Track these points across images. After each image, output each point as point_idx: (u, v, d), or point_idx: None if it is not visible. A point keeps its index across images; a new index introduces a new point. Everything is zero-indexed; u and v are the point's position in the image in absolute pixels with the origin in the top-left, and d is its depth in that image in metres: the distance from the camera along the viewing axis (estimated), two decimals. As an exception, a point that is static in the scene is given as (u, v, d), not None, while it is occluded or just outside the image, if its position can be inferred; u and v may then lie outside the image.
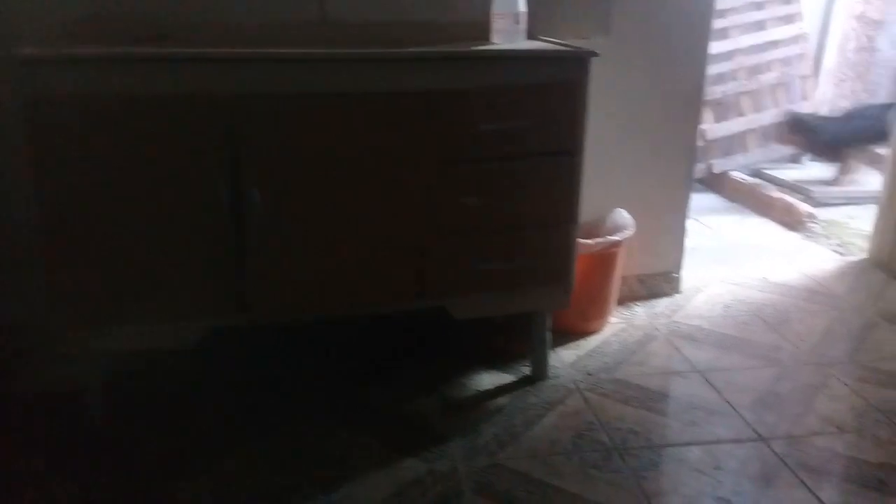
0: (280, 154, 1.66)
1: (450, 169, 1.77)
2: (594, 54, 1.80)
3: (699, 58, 2.44)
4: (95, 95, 1.55)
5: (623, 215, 2.38)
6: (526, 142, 1.79)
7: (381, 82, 1.68)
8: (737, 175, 4.02)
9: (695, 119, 2.52)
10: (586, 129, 1.86)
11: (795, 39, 4.26)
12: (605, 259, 2.28)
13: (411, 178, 1.74)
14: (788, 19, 4.28)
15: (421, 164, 1.74)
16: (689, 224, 2.63)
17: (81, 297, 1.65)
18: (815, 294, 2.69)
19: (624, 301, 2.56)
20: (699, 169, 3.98)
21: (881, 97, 4.34)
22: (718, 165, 4.03)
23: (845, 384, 2.08)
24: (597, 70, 1.82)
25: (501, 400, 1.98)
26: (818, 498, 1.62)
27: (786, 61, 4.16)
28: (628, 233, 2.30)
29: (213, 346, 1.81)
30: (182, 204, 1.64)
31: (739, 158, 4.09)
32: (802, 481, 1.67)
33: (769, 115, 4.14)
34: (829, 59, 4.32)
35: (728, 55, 4.08)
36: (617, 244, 2.28)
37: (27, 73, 1.51)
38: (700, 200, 3.86)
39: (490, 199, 1.81)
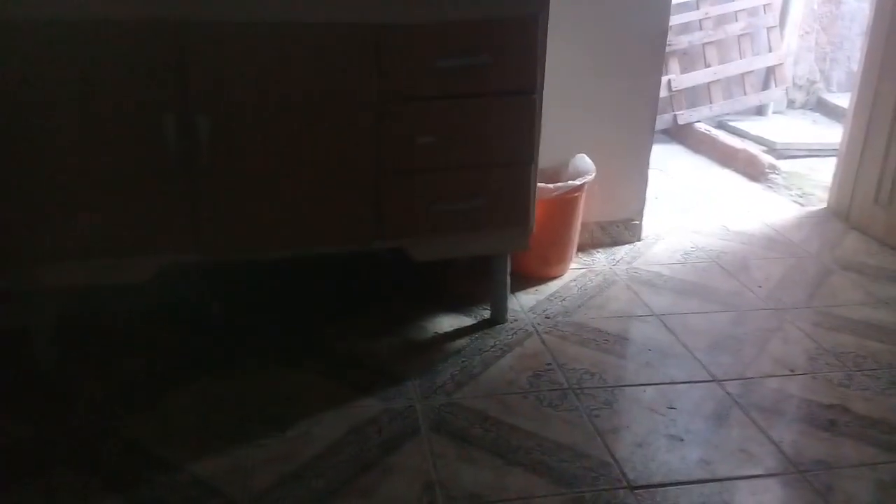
0: (227, 85, 1.60)
1: (403, 107, 1.73)
2: (554, -11, 1.76)
3: (664, 2, 2.41)
4: (40, 20, 1.48)
5: (585, 161, 2.36)
6: (482, 80, 1.76)
7: (331, 14, 1.62)
8: (701, 126, 4.02)
9: (658, 66, 2.50)
10: (545, 69, 1.82)
11: (763, -10, 4.24)
12: (565, 204, 2.27)
13: (363, 115, 1.70)
14: (756, -31, 4.24)
15: (372, 101, 1.70)
16: (652, 174, 2.63)
17: (28, 231, 1.60)
18: (773, 242, 2.71)
19: (585, 248, 2.56)
20: (664, 120, 3.98)
21: (846, 50, 4.36)
22: (683, 117, 4.03)
23: (800, 329, 2.10)
24: (558, 12, 1.79)
25: (460, 342, 1.98)
26: (769, 437, 1.65)
27: (752, 11, 4.14)
28: (589, 178, 2.29)
29: (167, 283, 1.78)
30: (130, 134, 1.59)
31: (704, 110, 4.09)
32: (754, 420, 1.70)
33: (735, 66, 4.13)
34: (796, 11, 4.30)
35: (694, 4, 4.06)
36: (578, 189, 2.27)
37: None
38: (664, 151, 3.88)
39: (446, 139, 1.78)
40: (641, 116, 2.52)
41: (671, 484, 1.49)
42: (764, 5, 4.15)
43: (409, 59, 1.69)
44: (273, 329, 2.00)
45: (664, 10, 2.43)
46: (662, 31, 2.44)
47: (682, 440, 1.63)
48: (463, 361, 1.88)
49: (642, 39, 2.42)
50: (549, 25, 1.81)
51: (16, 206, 1.58)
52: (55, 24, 1.49)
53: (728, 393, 1.80)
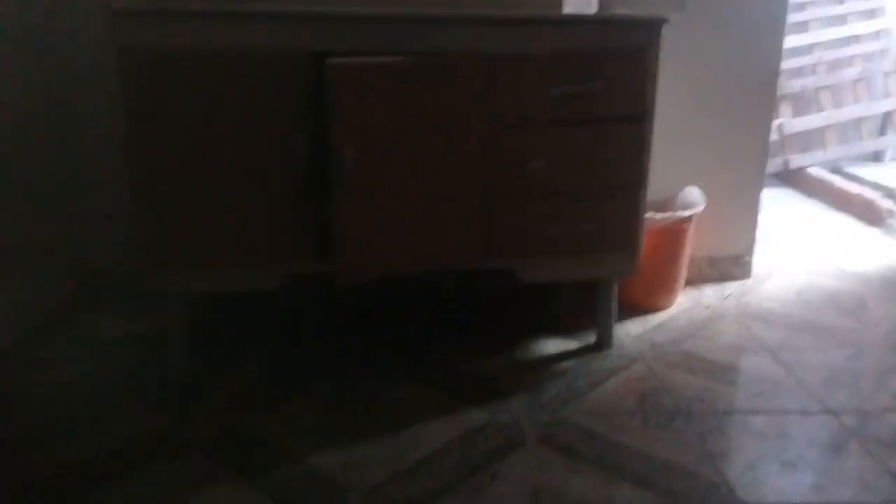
0: (358, 112, 1.72)
1: (517, 132, 1.80)
2: (665, 20, 1.81)
3: (776, 31, 2.42)
4: (190, 47, 1.64)
5: (694, 193, 2.37)
6: (594, 107, 1.82)
7: (451, 42, 1.72)
8: (815, 171, 3.94)
9: (769, 103, 2.49)
10: (655, 97, 1.87)
11: (877, 35, 4.16)
12: (673, 234, 2.28)
13: (478, 140, 1.78)
14: (871, 14, 4.18)
15: (487, 126, 1.78)
16: (765, 216, 2.60)
17: (167, 240, 1.75)
18: (891, 283, 2.62)
19: (694, 282, 2.55)
20: (776, 164, 3.93)
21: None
22: (796, 161, 3.96)
23: (921, 367, 2.03)
24: (672, 45, 1.83)
25: (566, 364, 2.00)
26: (887, 468, 1.59)
27: (867, 57, 4.06)
28: (698, 209, 2.30)
29: (293, 296, 1.89)
30: (266, 156, 1.72)
31: (818, 154, 4.00)
32: (871, 452, 1.64)
33: (848, 111, 4.04)
34: (916, 56, 4.18)
35: (807, 49, 4.01)
36: (687, 220, 2.28)
37: (118, 24, 1.62)
38: (776, 195, 3.81)
39: (557, 163, 1.84)
40: (753, 153, 2.52)
41: (783, 506, 1.46)
42: (881, 50, 4.06)
43: (522, 86, 1.77)
44: (387, 344, 2.09)
45: (776, 50, 2.44)
46: (774, 65, 2.45)
47: (795, 466, 1.59)
48: (569, 381, 1.91)
49: (754, 74, 2.43)
50: (663, 59, 1.86)
51: (166, 217, 1.74)
52: (212, 52, 1.65)
53: (844, 425, 1.75)
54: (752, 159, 2.52)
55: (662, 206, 2.37)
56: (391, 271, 1.88)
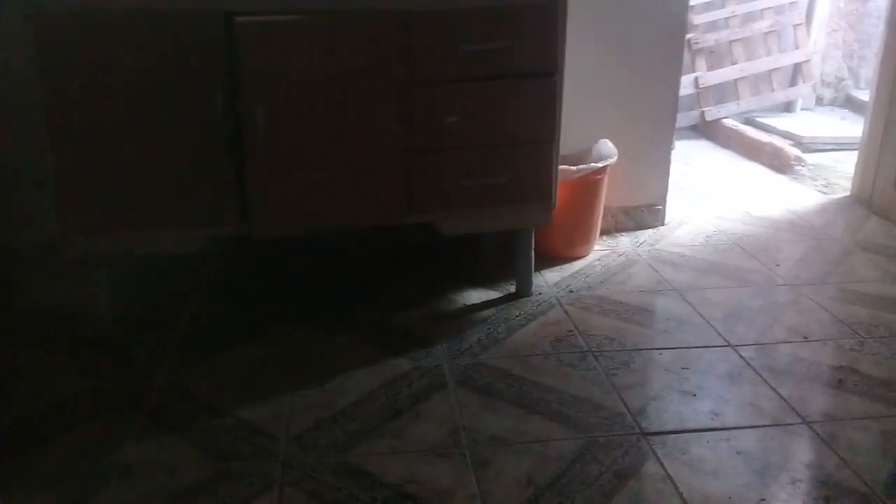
0: (271, 71, 1.75)
1: (430, 89, 1.86)
2: (573, -23, 1.88)
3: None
4: (99, 10, 1.65)
5: (608, 145, 2.47)
6: (505, 63, 1.88)
7: (361, 2, 1.76)
8: (729, 122, 4.10)
9: (678, 55, 2.60)
10: (565, 52, 1.94)
11: (789, -12, 4.31)
12: (589, 186, 2.38)
13: (393, 97, 1.83)
14: (782, -32, 4.32)
15: (402, 84, 1.83)
16: (678, 166, 2.73)
17: (88, 205, 1.77)
18: (795, 226, 2.79)
19: (609, 231, 2.67)
20: (692, 116, 4.07)
21: (874, 47, 4.39)
22: (711, 113, 4.11)
23: (816, 302, 2.18)
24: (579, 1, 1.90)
25: (486, 312, 2.10)
26: (778, 393, 1.73)
27: (778, 10, 4.22)
28: (611, 161, 2.40)
29: (212, 255, 1.93)
30: (183, 117, 1.74)
31: (732, 106, 4.16)
32: (765, 379, 1.79)
33: (761, 63, 4.20)
34: (822, 9, 4.36)
35: (721, 3, 4.14)
36: (600, 171, 2.38)
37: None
38: (692, 146, 3.97)
39: (472, 118, 1.91)
40: (663, 105, 2.63)
41: (682, 431, 1.59)
42: (789, 3, 4.22)
43: (435, 43, 1.83)
44: (311, 300, 2.15)
45: (683, 3, 2.54)
46: (681, 22, 2.55)
47: (695, 395, 1.72)
48: (489, 328, 2.00)
49: (663, 29, 2.52)
50: (570, 14, 1.93)
51: (83, 180, 1.75)
52: (123, 14, 1.66)
53: (742, 356, 1.89)
54: (662, 111, 2.63)
55: (577, 159, 2.46)
56: (310, 228, 1.93)
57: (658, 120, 2.63)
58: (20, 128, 2.13)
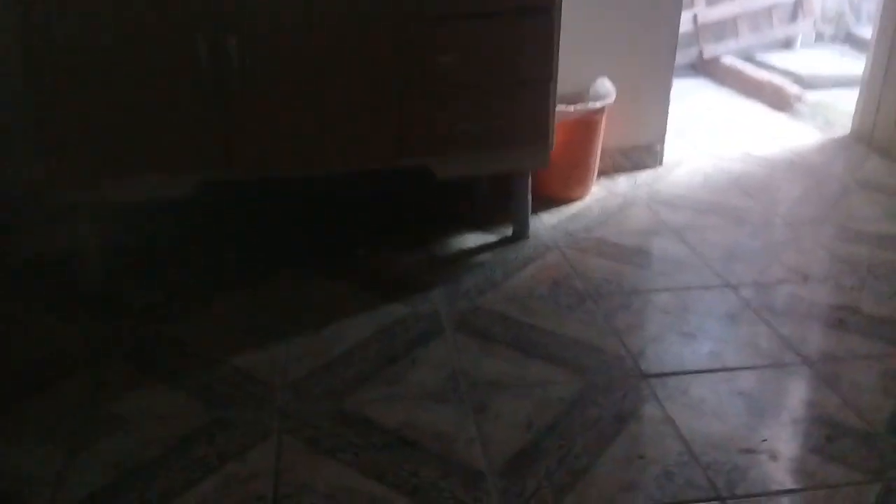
0: (256, 6, 1.68)
1: (422, 26, 1.79)
2: None
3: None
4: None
5: (606, 84, 2.41)
6: (502, -2, 1.82)
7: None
8: (728, 59, 4.01)
9: (678, -11, 2.52)
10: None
11: (790, -81, 4.18)
12: (586, 126, 2.33)
13: (385, 35, 1.77)
14: None
15: (394, 21, 1.76)
16: (676, 105, 2.67)
17: (72, 152, 1.71)
18: (794, 166, 2.75)
19: (607, 173, 2.62)
20: (690, 54, 3.98)
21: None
22: (709, 50, 4.02)
23: (815, 241, 2.16)
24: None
25: (483, 256, 2.07)
26: (778, 333, 1.72)
27: (779, -58, 4.09)
28: (609, 100, 2.34)
29: (204, 200, 1.89)
30: (165, 58, 1.68)
31: (731, 43, 4.07)
32: (765, 320, 1.77)
33: (761, 0, 4.10)
34: (825, -59, 4.24)
35: (721, -64, 4.02)
36: (598, 111, 2.32)
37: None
38: (690, 84, 3.88)
39: (467, 57, 1.85)
40: (662, 43, 2.55)
41: (682, 373, 1.58)
42: (791, -65, 4.10)
43: (428, -23, 1.76)
44: (306, 246, 2.11)
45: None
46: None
47: (695, 336, 1.71)
48: (486, 272, 1.97)
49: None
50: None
51: (59, 126, 1.69)
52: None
53: (741, 297, 1.87)
54: (661, 49, 2.56)
55: (574, 99, 2.40)
56: (298, 170, 1.89)
57: (657, 57, 2.56)
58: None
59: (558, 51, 1.92)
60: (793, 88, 3.56)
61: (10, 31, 1.63)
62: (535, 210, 2.26)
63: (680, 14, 2.57)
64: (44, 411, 1.45)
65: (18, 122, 2.10)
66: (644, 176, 2.63)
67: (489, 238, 2.17)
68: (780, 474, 1.32)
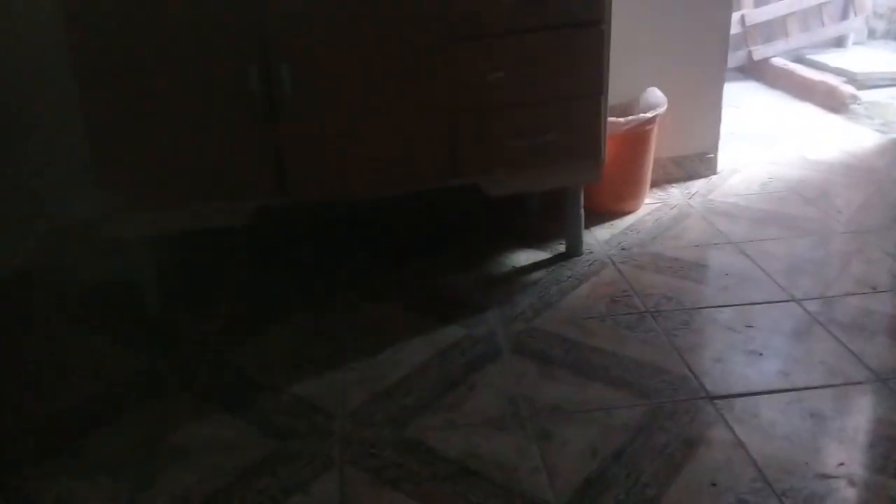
0: (307, 33, 1.69)
1: (473, 43, 1.78)
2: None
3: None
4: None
5: (656, 94, 2.37)
6: (550, 13, 1.79)
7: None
8: (778, 61, 3.92)
9: (729, -6, 2.47)
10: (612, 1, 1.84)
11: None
12: (638, 137, 2.29)
13: (435, 54, 1.76)
14: None
15: (443, 40, 1.75)
16: (727, 110, 2.61)
17: (127, 183, 1.73)
18: (854, 170, 2.66)
19: (660, 183, 2.57)
20: (738, 56, 3.91)
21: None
22: (759, 52, 3.94)
23: (882, 249, 2.08)
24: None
25: (537, 274, 2.04)
26: (850, 349, 1.65)
27: (828, -61, 3.99)
28: (660, 110, 2.30)
29: (261, 228, 1.90)
30: (217, 86, 1.69)
31: (780, 44, 3.98)
32: (834, 335, 1.71)
33: (811, -3, 4.00)
34: (876, -65, 4.13)
35: (768, -65, 3.94)
36: (650, 122, 2.28)
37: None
38: (739, 88, 3.81)
39: (516, 74, 1.82)
40: (713, 48, 2.50)
41: (750, 394, 1.52)
42: (840, -68, 4.00)
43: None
44: (357, 268, 2.11)
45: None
46: (731, -42, 2.41)
47: (761, 355, 1.65)
48: (540, 291, 1.94)
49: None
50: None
51: (121, 160, 1.71)
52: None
53: (808, 311, 1.81)
54: (712, 54, 2.51)
55: (625, 110, 2.36)
56: (350, 194, 1.88)
57: (707, 64, 2.51)
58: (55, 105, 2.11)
59: (608, 63, 1.89)
60: (847, 88, 3.47)
61: (64, 66, 1.64)
62: (588, 225, 2.23)
63: (730, 18, 2.52)
64: (108, 444, 1.46)
65: (75, 154, 2.14)
66: (698, 185, 2.57)
67: (542, 255, 2.14)
68: (859, 501, 1.27)
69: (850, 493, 1.28)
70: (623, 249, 2.15)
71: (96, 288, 2.04)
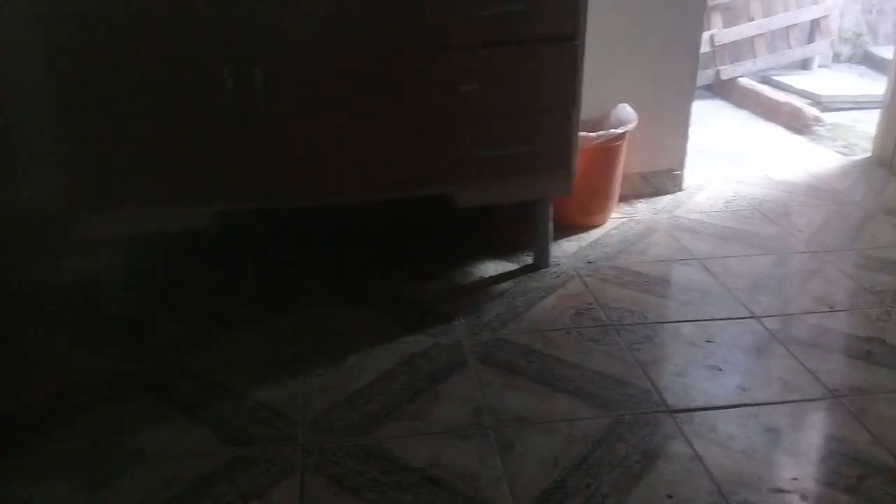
0: (280, 40, 1.68)
1: (447, 55, 1.79)
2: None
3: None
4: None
5: (626, 110, 2.40)
6: (523, 27, 1.81)
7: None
8: (745, 81, 4.00)
9: (699, 15, 2.51)
10: (586, 17, 1.86)
11: (807, -59, 4.18)
12: (607, 152, 2.32)
13: (408, 64, 1.77)
14: (801, -80, 4.18)
15: (416, 50, 1.76)
16: (695, 128, 2.65)
17: (91, 182, 1.71)
18: (816, 190, 2.72)
19: (627, 198, 2.60)
20: (707, 75, 3.97)
21: (893, 1, 4.27)
22: (727, 72, 4.01)
23: (840, 269, 2.13)
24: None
25: (504, 285, 2.05)
26: (806, 366, 1.69)
27: (796, -37, 4.09)
28: (630, 126, 2.33)
29: (226, 232, 1.88)
30: (190, 89, 1.68)
31: (748, 64, 4.06)
32: (792, 353, 1.74)
33: (779, 20, 4.08)
34: (842, -38, 4.23)
35: (738, -42, 4.01)
36: (619, 137, 2.31)
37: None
38: (707, 106, 3.87)
39: (490, 86, 1.84)
40: (683, 66, 2.54)
41: (709, 408, 1.55)
42: (808, -43, 4.09)
43: (450, 7, 1.75)
44: (324, 274, 2.11)
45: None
46: (702, -21, 2.46)
47: (721, 370, 1.68)
48: (507, 302, 1.96)
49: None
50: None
51: (88, 158, 1.69)
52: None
53: (767, 328, 1.84)
54: (682, 73, 2.54)
55: (595, 125, 2.39)
56: (319, 199, 1.88)
57: (677, 82, 2.55)
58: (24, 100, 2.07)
59: (581, 78, 1.91)
60: (811, 110, 3.54)
61: (35, 61, 1.62)
62: (556, 237, 2.25)
63: (700, 39, 2.56)
64: (65, 446, 1.44)
65: (39, 150, 2.10)
66: (664, 201, 2.61)
67: (509, 266, 2.16)
68: (812, 516, 1.30)
69: (803, 507, 1.31)
70: (589, 263, 2.17)
71: (58, 285, 2.01)
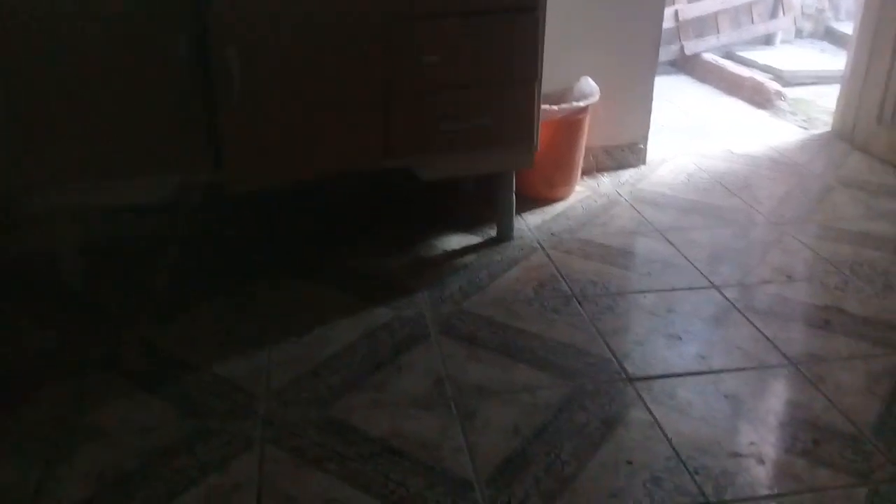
0: (248, 15, 1.65)
1: (407, 26, 1.77)
2: None
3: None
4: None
5: (589, 83, 2.40)
6: (485, -3, 1.80)
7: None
8: (708, 56, 4.02)
9: (662, -14, 2.51)
10: (547, -15, 1.86)
11: (771, -84, 4.20)
12: (570, 125, 2.32)
13: (370, 36, 1.74)
14: None
15: (378, 22, 1.73)
16: (658, 103, 2.66)
17: (48, 154, 1.67)
18: (777, 163, 2.75)
19: (591, 172, 2.61)
20: (671, 51, 3.99)
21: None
22: (690, 47, 4.03)
23: (799, 240, 2.16)
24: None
25: (467, 258, 2.05)
26: (764, 335, 1.71)
27: (760, -61, 4.11)
28: (593, 100, 2.33)
29: (188, 205, 1.86)
30: (145, 57, 1.64)
31: (712, 40, 4.08)
32: (750, 321, 1.77)
33: (742, -5, 4.11)
34: (805, -63, 4.26)
35: (702, -68, 4.02)
36: (582, 111, 2.31)
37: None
38: (671, 81, 3.89)
39: (452, 58, 1.82)
40: (646, 40, 2.55)
41: (668, 376, 1.57)
42: (772, -68, 4.11)
43: (411, -24, 1.73)
44: (287, 248, 2.09)
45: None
46: (664, -49, 2.46)
47: (681, 339, 1.70)
48: (470, 275, 1.96)
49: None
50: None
51: (36, 128, 1.65)
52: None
53: (726, 298, 1.86)
54: (645, 47, 2.55)
55: (558, 98, 2.39)
56: (288, 177, 1.86)
57: (640, 56, 2.56)
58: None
59: (543, 50, 1.90)
60: (773, 85, 3.57)
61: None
62: (519, 210, 2.25)
63: (663, 12, 2.57)
64: (21, 421, 1.42)
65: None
66: (627, 175, 2.62)
67: (473, 239, 2.16)
68: (767, 478, 1.32)
69: (760, 470, 1.33)
70: (552, 235, 2.18)
71: (15, 259, 1.97)
